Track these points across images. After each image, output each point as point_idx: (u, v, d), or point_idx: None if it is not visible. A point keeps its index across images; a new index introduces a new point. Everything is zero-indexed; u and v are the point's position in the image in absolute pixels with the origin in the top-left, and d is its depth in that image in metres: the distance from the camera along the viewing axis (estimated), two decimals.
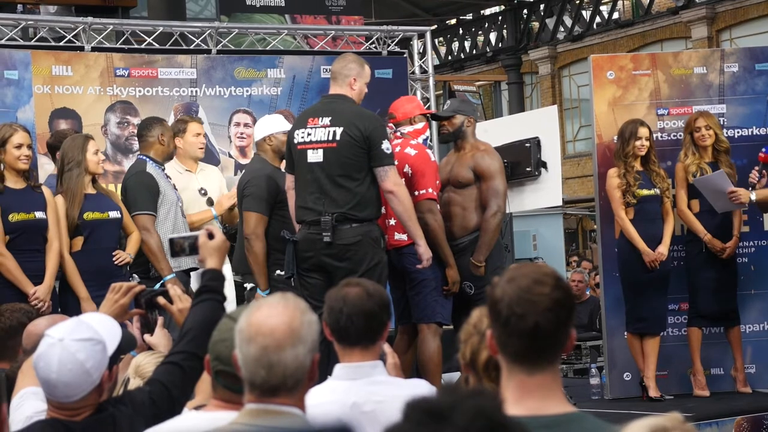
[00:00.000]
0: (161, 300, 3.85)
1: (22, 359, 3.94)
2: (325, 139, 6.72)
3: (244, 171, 7.65)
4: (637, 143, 8.02)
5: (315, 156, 6.73)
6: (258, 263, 7.23)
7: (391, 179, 6.74)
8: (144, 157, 7.58)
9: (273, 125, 7.57)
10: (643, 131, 8.05)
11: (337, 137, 6.68)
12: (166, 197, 7.44)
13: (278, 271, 7.13)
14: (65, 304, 6.87)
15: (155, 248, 7.22)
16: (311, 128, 6.78)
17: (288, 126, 7.42)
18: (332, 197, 6.64)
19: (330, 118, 6.74)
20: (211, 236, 3.69)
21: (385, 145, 6.70)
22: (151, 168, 7.48)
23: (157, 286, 6.74)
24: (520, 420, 2.49)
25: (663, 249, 8.00)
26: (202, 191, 8.08)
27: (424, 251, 6.87)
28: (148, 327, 4.08)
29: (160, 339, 4.06)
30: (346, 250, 6.64)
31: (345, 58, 7.05)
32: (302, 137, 6.79)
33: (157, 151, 7.55)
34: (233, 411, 2.85)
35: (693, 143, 8.16)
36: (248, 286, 7.34)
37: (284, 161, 7.18)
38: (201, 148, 8.11)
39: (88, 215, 6.96)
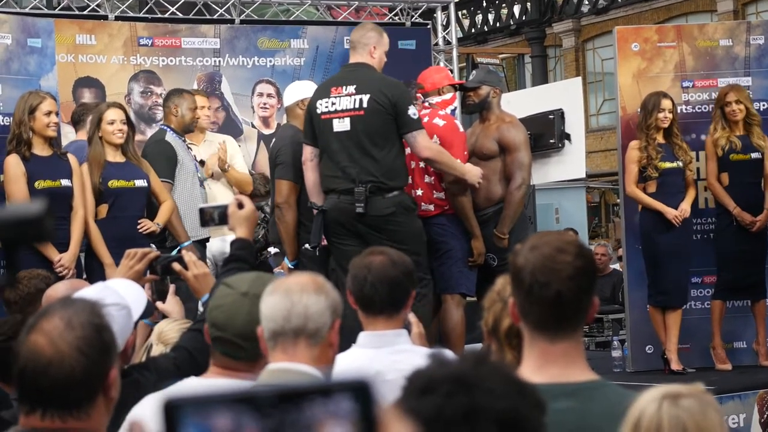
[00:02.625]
0: (176, 266, 3.86)
1: None
2: (352, 107, 6.70)
3: (274, 139, 7.62)
4: (660, 115, 7.97)
5: (341, 125, 6.70)
6: (288, 233, 7.14)
7: (421, 143, 6.73)
8: (165, 127, 7.69)
9: (305, 89, 7.52)
10: (666, 103, 7.99)
11: (365, 105, 6.66)
12: (184, 167, 7.48)
13: (307, 245, 7.09)
14: (90, 271, 6.90)
15: (172, 215, 7.26)
16: (335, 97, 6.75)
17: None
18: (362, 166, 6.61)
19: (354, 86, 6.71)
20: (240, 206, 3.71)
21: (412, 111, 6.70)
22: (170, 137, 7.53)
23: (174, 252, 6.79)
24: (541, 387, 2.50)
25: (685, 205, 7.95)
26: (201, 162, 8.06)
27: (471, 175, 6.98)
28: (160, 294, 4.09)
29: (172, 306, 4.09)
30: (382, 221, 6.62)
31: (364, 27, 7.05)
32: (326, 107, 6.76)
33: (171, 122, 7.61)
34: (232, 378, 2.89)
35: (723, 117, 8.10)
36: (272, 250, 7.30)
37: None
38: (198, 120, 8.00)
39: (113, 183, 6.99)
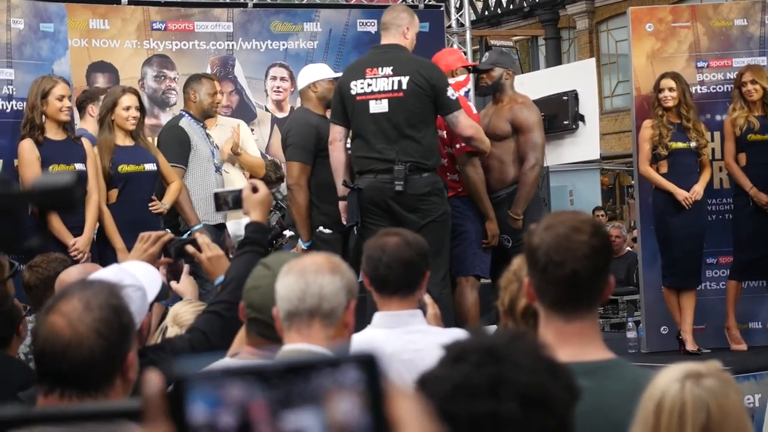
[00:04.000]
0: (190, 248, 3.87)
1: None
2: (390, 88, 6.69)
3: (286, 123, 7.64)
4: (660, 95, 7.95)
5: (379, 106, 6.69)
6: (301, 214, 7.17)
7: (464, 123, 6.77)
8: (183, 113, 7.74)
9: (318, 72, 7.52)
10: (665, 83, 7.97)
11: (404, 86, 6.66)
12: (198, 152, 7.50)
13: (321, 228, 7.09)
14: (104, 255, 6.91)
15: (182, 199, 7.27)
16: (371, 78, 6.73)
17: (333, 74, 7.43)
18: (401, 147, 6.61)
19: (391, 67, 6.70)
20: (255, 190, 3.71)
21: (450, 92, 6.73)
22: (186, 122, 7.57)
23: (185, 236, 6.80)
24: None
25: (698, 188, 7.93)
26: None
27: None
28: (174, 275, 4.10)
29: (186, 286, 4.10)
30: (417, 201, 6.63)
31: (395, 9, 7.06)
32: (361, 88, 6.74)
33: (190, 107, 7.64)
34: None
35: (741, 97, 8.07)
36: (287, 233, 7.33)
37: (328, 107, 7.18)
38: (218, 105, 8.01)
39: (123, 167, 7.00)
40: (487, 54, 8.01)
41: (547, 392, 1.85)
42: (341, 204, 6.92)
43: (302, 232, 7.16)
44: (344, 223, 6.89)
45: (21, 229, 1.19)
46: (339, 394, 0.91)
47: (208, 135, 7.70)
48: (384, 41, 6.91)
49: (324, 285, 2.73)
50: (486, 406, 1.83)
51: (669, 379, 2.32)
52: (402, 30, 6.83)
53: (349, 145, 6.93)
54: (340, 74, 7.38)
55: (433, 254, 6.61)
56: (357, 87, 6.75)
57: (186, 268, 4.12)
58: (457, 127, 6.77)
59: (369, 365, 0.92)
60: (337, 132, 6.89)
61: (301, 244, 7.11)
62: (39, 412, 1.36)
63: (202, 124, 7.66)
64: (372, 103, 6.70)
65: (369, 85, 6.72)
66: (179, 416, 0.91)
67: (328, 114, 7.22)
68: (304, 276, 2.74)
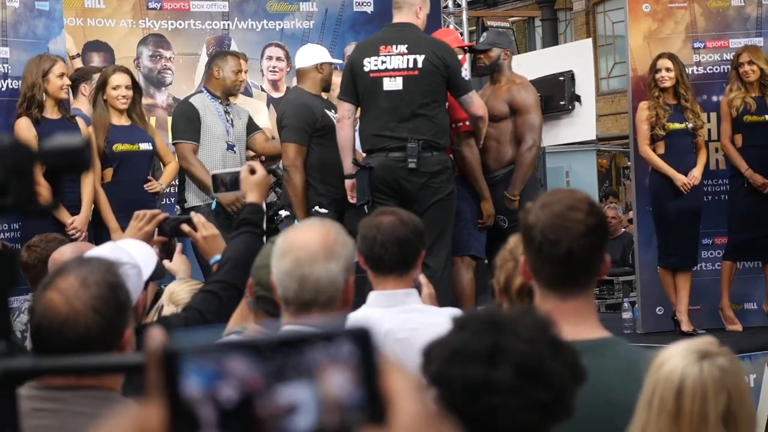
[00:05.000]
0: (185, 227, 3.86)
1: None
2: (405, 66, 6.68)
3: (281, 103, 7.62)
4: (657, 75, 7.95)
5: (393, 84, 6.68)
6: (297, 195, 7.16)
7: (477, 103, 6.84)
8: (202, 89, 7.73)
9: (321, 54, 7.49)
10: (661, 63, 7.97)
11: (419, 65, 6.66)
12: (208, 129, 7.47)
13: (317, 207, 7.09)
14: (99, 235, 6.91)
15: (192, 175, 7.26)
16: (385, 56, 6.72)
17: (333, 59, 7.44)
18: (414, 125, 6.61)
19: (406, 45, 6.70)
20: (252, 171, 3.71)
21: (464, 73, 6.78)
22: (199, 98, 7.56)
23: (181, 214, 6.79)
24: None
25: (696, 172, 7.93)
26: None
27: None
28: (167, 254, 4.10)
29: (179, 265, 4.09)
30: (429, 178, 6.64)
31: None
32: (375, 65, 6.73)
33: (212, 84, 7.62)
34: None
35: (738, 78, 8.06)
36: (283, 213, 7.28)
37: (326, 90, 7.17)
38: (242, 84, 7.98)
39: (118, 147, 7.00)
40: (485, 34, 8.00)
41: (544, 365, 1.85)
42: (347, 182, 6.91)
43: (299, 213, 7.16)
44: (350, 201, 6.89)
45: (35, 189, 1.21)
46: (333, 368, 0.91)
47: (227, 112, 7.65)
48: (396, 20, 6.90)
49: (320, 276, 2.70)
50: (479, 372, 1.84)
51: (683, 361, 2.31)
52: (415, 9, 6.84)
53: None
54: (339, 61, 7.38)
55: (440, 232, 6.65)
56: (370, 64, 6.73)
57: (179, 246, 4.11)
58: (471, 107, 6.81)
59: (363, 339, 0.92)
60: (345, 109, 6.86)
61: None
62: (49, 364, 1.38)
63: (219, 101, 7.62)
64: (386, 81, 6.69)
65: (383, 62, 6.71)
66: (172, 390, 0.90)
67: (325, 96, 7.20)
68: (300, 268, 2.70)
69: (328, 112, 7.27)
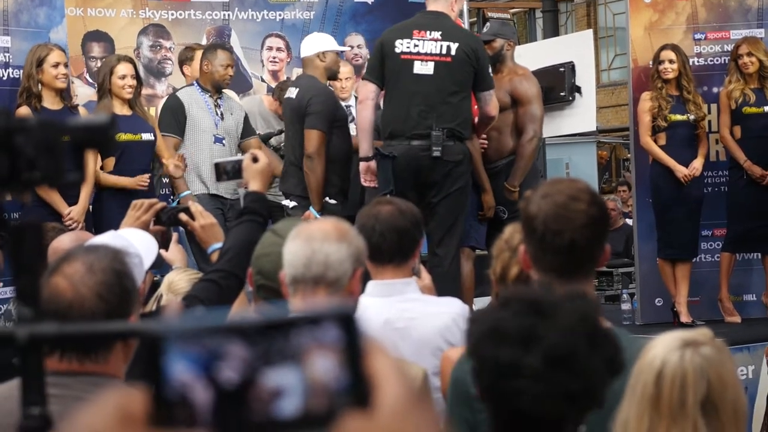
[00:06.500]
0: (183, 216, 3.86)
1: None
2: (438, 52, 6.65)
3: (298, 89, 7.53)
4: (660, 67, 7.95)
5: (424, 68, 6.64)
6: (319, 183, 7.02)
7: (493, 103, 6.85)
8: (194, 83, 7.71)
9: (325, 42, 7.46)
10: (665, 54, 7.97)
11: (452, 52, 6.63)
12: (194, 122, 7.47)
13: (327, 198, 7.04)
14: (99, 226, 6.90)
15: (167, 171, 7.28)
16: (418, 40, 6.68)
17: (338, 47, 7.42)
18: (441, 112, 6.57)
19: (440, 32, 6.67)
20: (255, 160, 3.70)
21: (489, 69, 6.75)
22: (187, 91, 7.56)
23: (175, 203, 6.80)
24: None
25: (697, 164, 7.93)
26: None
27: None
28: (163, 243, 4.10)
29: (175, 254, 4.09)
30: (450, 168, 6.60)
31: None
32: (407, 47, 6.68)
33: (202, 77, 7.64)
34: None
35: (738, 69, 8.05)
36: (290, 204, 7.22)
37: (330, 79, 7.16)
38: (230, 78, 7.89)
39: (120, 136, 6.98)
40: (488, 24, 7.99)
41: (576, 356, 1.84)
42: (362, 165, 6.83)
43: (315, 201, 7.06)
44: (362, 184, 6.86)
45: (63, 163, 1.26)
46: (318, 351, 0.91)
47: (217, 105, 7.64)
48: (431, 8, 6.86)
49: (330, 253, 2.72)
50: (510, 354, 1.84)
51: (667, 348, 2.31)
52: (450, 1, 6.83)
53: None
54: (346, 48, 7.35)
55: (453, 222, 6.65)
56: (402, 45, 6.68)
57: (174, 236, 4.10)
58: (488, 105, 6.80)
59: (347, 322, 0.92)
60: (369, 90, 6.78)
61: (314, 213, 6.98)
62: (72, 330, 1.46)
63: (209, 94, 7.62)
64: (417, 64, 6.64)
65: (416, 45, 6.67)
66: (156, 374, 0.90)
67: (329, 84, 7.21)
68: (311, 243, 2.73)
69: (339, 102, 7.24)
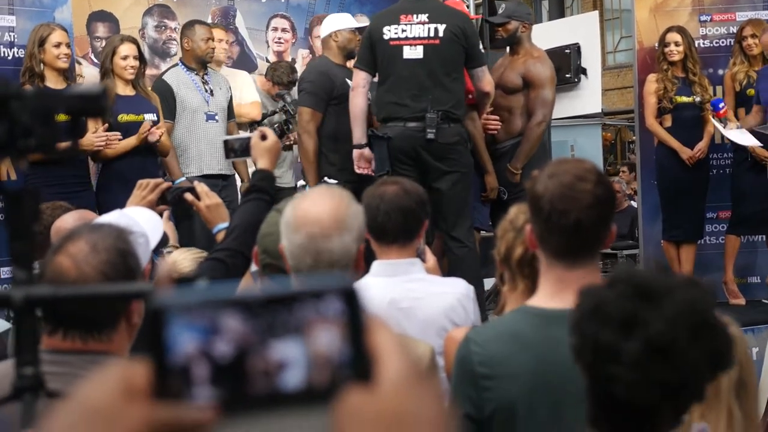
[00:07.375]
0: (188, 196, 3.84)
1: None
2: (426, 35, 6.64)
3: (304, 70, 7.66)
4: (666, 49, 7.93)
5: (413, 52, 6.65)
6: (309, 159, 7.13)
7: (487, 78, 6.83)
8: (179, 63, 7.67)
9: (339, 22, 7.46)
10: (670, 36, 7.94)
11: (440, 34, 6.63)
12: (184, 103, 7.44)
13: (326, 178, 7.07)
14: (102, 206, 6.90)
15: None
16: (406, 24, 6.69)
17: (355, 24, 7.41)
18: (434, 95, 6.57)
19: (426, 14, 6.67)
20: (263, 137, 3.69)
21: (480, 45, 6.75)
22: (173, 73, 7.54)
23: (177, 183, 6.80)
24: (557, 313, 2.49)
25: (702, 145, 7.92)
26: None
27: None
28: None
29: (168, 232, 4.08)
30: (446, 150, 6.60)
31: None
32: (395, 33, 6.69)
33: (185, 56, 7.61)
34: None
35: (742, 51, 8.03)
36: (300, 183, 7.32)
37: (348, 58, 7.16)
38: (214, 51, 7.81)
39: (123, 117, 6.98)
40: (503, 5, 7.95)
41: (677, 347, 1.80)
42: (355, 152, 6.86)
43: (310, 177, 7.12)
44: (356, 171, 6.87)
45: (57, 132, 1.28)
46: (321, 325, 0.91)
47: (205, 82, 7.62)
48: None
49: (334, 250, 2.68)
50: (610, 337, 1.82)
51: None
52: None
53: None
54: (362, 24, 7.35)
55: (461, 204, 6.65)
56: (390, 32, 6.69)
57: (165, 214, 4.08)
58: (480, 81, 6.79)
59: (350, 296, 0.92)
60: (361, 78, 6.80)
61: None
62: (67, 292, 1.46)
63: (195, 72, 7.59)
64: (406, 49, 6.65)
65: (403, 30, 6.68)
66: (158, 346, 0.90)
67: (349, 65, 7.19)
68: (314, 243, 2.67)
69: (348, 81, 7.24)
